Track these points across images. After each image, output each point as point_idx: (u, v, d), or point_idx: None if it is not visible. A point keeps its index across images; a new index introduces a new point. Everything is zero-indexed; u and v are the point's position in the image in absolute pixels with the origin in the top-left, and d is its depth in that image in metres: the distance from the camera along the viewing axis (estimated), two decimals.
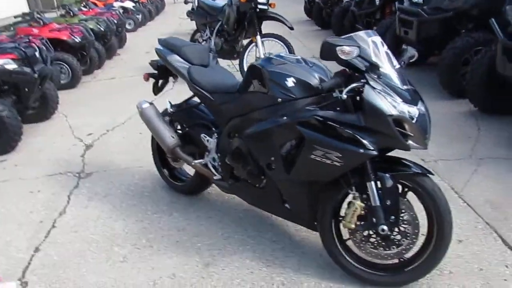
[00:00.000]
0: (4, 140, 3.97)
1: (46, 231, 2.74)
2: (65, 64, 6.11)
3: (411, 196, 1.96)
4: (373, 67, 1.78)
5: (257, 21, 5.20)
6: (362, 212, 1.94)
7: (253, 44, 5.23)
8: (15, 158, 3.97)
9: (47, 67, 4.44)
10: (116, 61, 8.19)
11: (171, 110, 2.77)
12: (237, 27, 5.42)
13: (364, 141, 1.77)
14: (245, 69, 5.25)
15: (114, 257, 2.43)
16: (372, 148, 1.77)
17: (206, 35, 6.04)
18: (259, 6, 5.10)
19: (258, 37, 5.16)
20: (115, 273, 2.30)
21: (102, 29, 7.31)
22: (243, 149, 2.23)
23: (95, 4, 12.22)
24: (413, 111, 1.77)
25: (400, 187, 1.95)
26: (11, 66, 3.93)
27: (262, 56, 5.17)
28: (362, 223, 1.97)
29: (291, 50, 5.12)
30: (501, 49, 3.35)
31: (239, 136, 2.27)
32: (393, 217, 1.91)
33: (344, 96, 1.74)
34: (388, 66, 1.82)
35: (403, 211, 1.94)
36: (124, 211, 2.89)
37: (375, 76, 1.78)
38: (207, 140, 2.56)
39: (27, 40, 4.52)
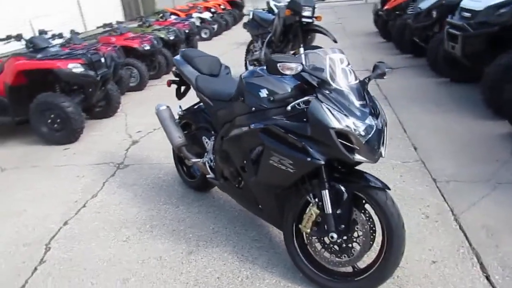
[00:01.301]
0: (68, 131, 4.66)
1: (76, 210, 3.23)
2: (134, 69, 6.85)
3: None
4: (324, 83, 1.91)
5: (302, 33, 5.37)
6: (318, 219, 2.07)
7: (297, 55, 5.39)
8: (75, 147, 4.64)
9: (109, 71, 5.08)
10: None
11: (180, 113, 3.10)
12: (283, 39, 5.65)
13: (311, 150, 1.90)
14: None
15: (119, 236, 2.82)
16: (318, 158, 1.90)
17: (258, 45, 6.36)
18: (304, 19, 5.27)
19: (301, 49, 5.32)
20: (115, 250, 2.68)
21: (171, 38, 8.01)
22: (227, 152, 2.47)
23: (178, 15, 13.31)
24: (361, 126, 1.86)
25: (362, 199, 2.03)
26: (79, 69, 4.61)
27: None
28: (316, 229, 2.08)
29: None
30: None
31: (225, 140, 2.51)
32: (343, 226, 2.01)
33: (289, 108, 1.89)
34: (343, 83, 1.92)
35: (356, 221, 2.02)
36: (141, 200, 3.28)
37: (326, 91, 1.90)
38: (206, 142, 2.84)
39: (95, 47, 5.22)
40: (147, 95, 6.79)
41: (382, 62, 2.24)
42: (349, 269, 2.15)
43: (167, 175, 3.66)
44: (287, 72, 1.85)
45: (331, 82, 1.91)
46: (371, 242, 2.06)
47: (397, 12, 7.65)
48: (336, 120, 1.83)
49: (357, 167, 2.12)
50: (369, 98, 2.03)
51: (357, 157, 1.87)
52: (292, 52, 5.64)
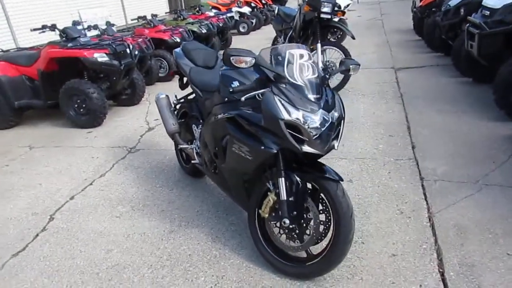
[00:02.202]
0: (92, 116, 5.04)
1: (84, 186, 3.55)
2: (164, 60, 7.19)
3: None
4: (279, 77, 2.02)
5: (321, 29, 5.40)
6: (276, 205, 2.19)
7: (314, 51, 5.45)
8: (97, 131, 5.01)
9: (133, 61, 5.40)
10: None
11: (175, 101, 3.31)
12: (302, 34, 5.70)
13: (265, 140, 2.03)
14: None
15: (114, 212, 3.09)
16: (271, 147, 2.02)
17: (281, 41, 6.46)
18: (322, 16, 5.30)
19: (318, 45, 5.36)
20: (107, 224, 2.94)
21: (203, 31, 8.28)
22: (204, 139, 2.65)
23: (219, 9, 13.62)
24: (311, 118, 1.96)
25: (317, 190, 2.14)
26: (103, 58, 4.96)
27: (320, 64, 5.38)
28: (274, 214, 2.21)
29: None
30: None
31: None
32: (295, 212, 2.12)
33: (243, 99, 2.03)
34: (298, 77, 2.03)
35: (308, 209, 2.13)
36: (141, 181, 3.54)
37: (281, 85, 2.02)
38: (195, 130, 3.03)
39: (121, 38, 5.57)
40: (174, 85, 7.08)
41: (350, 58, 2.32)
42: (304, 254, 2.26)
43: (170, 161, 3.90)
44: (241, 65, 1.98)
45: (286, 76, 2.02)
46: (326, 231, 2.16)
47: (432, 9, 7.41)
48: (286, 112, 1.94)
49: (320, 160, 2.22)
50: (328, 92, 2.12)
51: (306, 148, 1.97)
52: (310, 48, 5.69)
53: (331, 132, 2.01)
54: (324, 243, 2.23)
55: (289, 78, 2.02)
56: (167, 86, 7.02)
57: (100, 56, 4.95)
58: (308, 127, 1.94)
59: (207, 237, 2.68)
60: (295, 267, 2.23)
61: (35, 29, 5.10)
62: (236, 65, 1.98)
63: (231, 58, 1.96)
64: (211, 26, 8.53)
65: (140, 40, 6.46)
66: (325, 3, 5.28)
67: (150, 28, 7.47)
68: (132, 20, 7.96)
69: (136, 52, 5.68)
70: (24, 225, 3.03)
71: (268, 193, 2.21)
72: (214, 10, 13.36)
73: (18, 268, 2.54)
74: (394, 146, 3.73)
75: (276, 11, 6.67)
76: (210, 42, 8.76)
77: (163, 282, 2.31)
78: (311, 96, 2.02)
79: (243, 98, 2.04)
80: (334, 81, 5.37)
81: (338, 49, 5.35)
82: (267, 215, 2.22)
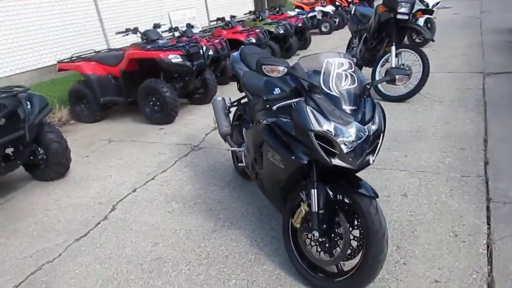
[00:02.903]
0: (165, 114, 5.37)
1: (146, 181, 3.81)
2: None
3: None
4: (313, 86, 1.96)
5: (397, 31, 5.11)
6: (308, 216, 2.15)
7: (388, 54, 5.17)
8: (169, 128, 5.33)
9: (205, 62, 5.64)
10: (290, 61, 9.11)
11: (228, 105, 3.38)
12: (376, 36, 5.44)
13: (296, 150, 1.99)
14: (377, 78, 5.27)
15: (167, 207, 3.27)
16: (301, 157, 1.98)
17: (356, 42, 6.23)
18: (399, 16, 5.00)
19: (393, 47, 5.07)
20: (159, 218, 3.13)
21: (280, 31, 8.32)
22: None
23: (302, 8, 13.57)
24: (343, 131, 1.87)
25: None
26: (177, 60, 5.25)
27: (394, 67, 5.09)
28: (305, 225, 2.16)
29: (425, 63, 4.84)
30: None
31: None
32: (324, 226, 2.05)
33: (274, 108, 2.01)
34: (334, 87, 1.95)
35: (339, 223, 2.05)
36: (197, 179, 3.70)
37: (316, 95, 1.96)
38: (244, 133, 3.07)
39: (195, 40, 5.83)
40: None
41: (398, 68, 2.17)
42: (336, 269, 2.18)
43: (227, 161, 4.01)
44: (273, 74, 1.96)
45: (321, 86, 1.95)
46: (360, 248, 2.06)
47: None
48: (317, 123, 1.88)
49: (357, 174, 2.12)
50: (367, 104, 2.01)
51: (336, 161, 1.90)
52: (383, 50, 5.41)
53: (365, 146, 1.90)
54: (356, 260, 2.12)
55: (324, 88, 1.95)
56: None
57: (174, 57, 5.24)
58: (340, 139, 1.86)
59: (246, 240, 2.71)
60: (323, 280, 2.16)
61: (119, 32, 5.58)
62: (268, 74, 1.97)
63: (263, 67, 1.95)
64: (288, 27, 8.54)
65: (216, 41, 6.71)
66: (403, 3, 4.97)
67: (228, 29, 7.71)
68: (211, 22, 8.28)
69: (210, 53, 5.92)
70: (90, 212, 3.34)
71: (301, 203, 2.17)
72: (297, 10, 13.36)
73: (77, 252, 2.82)
74: (463, 161, 3.40)
75: (352, 11, 6.45)
76: (287, 42, 8.78)
77: (197, 280, 2.40)
78: (346, 108, 1.93)
79: (274, 107, 2.02)
80: (409, 85, 5.05)
81: (414, 52, 5.01)
82: (299, 225, 2.17)
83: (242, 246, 2.66)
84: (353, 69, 2.04)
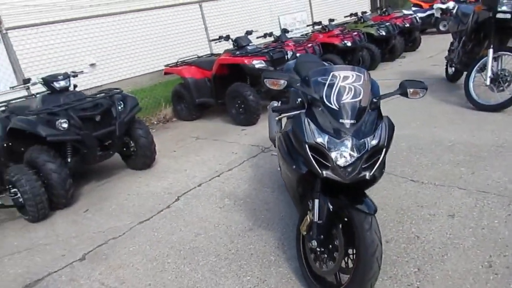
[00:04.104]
0: (248, 115, 5.71)
1: (212, 177, 4.17)
2: (332, 64, 7.34)
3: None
4: (314, 99, 2.01)
5: (498, 32, 4.55)
6: (311, 225, 2.20)
7: (485, 58, 4.64)
8: (249, 129, 5.65)
9: None
10: (393, 63, 8.62)
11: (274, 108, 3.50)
12: (473, 38, 4.91)
13: (297, 160, 2.07)
14: (471, 86, 4.79)
15: (219, 203, 3.57)
16: (301, 167, 2.05)
17: (456, 44, 5.69)
18: (499, 16, 4.44)
19: (490, 50, 4.53)
20: (209, 212, 3.44)
21: (382, 33, 7.99)
22: None
23: (420, 6, 12.67)
24: (337, 144, 1.89)
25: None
26: (260, 65, 5.53)
27: (489, 73, 4.56)
28: (310, 233, 2.21)
29: None
30: None
31: None
32: (322, 236, 2.08)
33: (276, 119, 2.10)
34: (334, 100, 1.97)
35: (335, 236, 2.06)
36: (255, 179, 3.92)
37: (316, 107, 2.00)
38: None
39: (280, 46, 6.02)
40: None
41: (415, 80, 2.06)
42: (333, 280, 2.18)
43: None
44: (274, 87, 2.07)
45: (322, 99, 1.99)
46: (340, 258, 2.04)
47: None
48: (312, 135, 1.94)
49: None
50: (370, 117, 1.98)
51: (328, 173, 1.92)
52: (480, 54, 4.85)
53: (360, 160, 1.89)
54: None
55: (325, 101, 1.99)
56: None
57: (258, 63, 5.53)
58: (332, 153, 1.89)
59: (274, 242, 2.84)
60: None
61: (212, 40, 6.09)
62: (270, 87, 2.08)
63: (265, 81, 2.07)
64: (391, 28, 8.15)
65: (309, 45, 6.82)
66: (504, 1, 4.42)
67: (324, 33, 7.73)
68: (307, 26, 8.38)
69: (293, 58, 6.07)
70: (158, 200, 3.83)
71: (308, 211, 2.22)
72: (414, 8, 12.53)
73: (137, 233, 3.30)
74: None
75: (454, 10, 5.91)
76: (390, 44, 8.39)
77: (219, 271, 2.62)
78: (345, 121, 1.94)
79: (276, 118, 2.13)
80: (505, 94, 4.48)
81: None
82: (305, 233, 2.24)
83: (268, 247, 2.80)
84: (360, 82, 2.03)
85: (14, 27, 7.12)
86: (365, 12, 9.03)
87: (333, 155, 1.89)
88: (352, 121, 1.94)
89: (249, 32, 6.47)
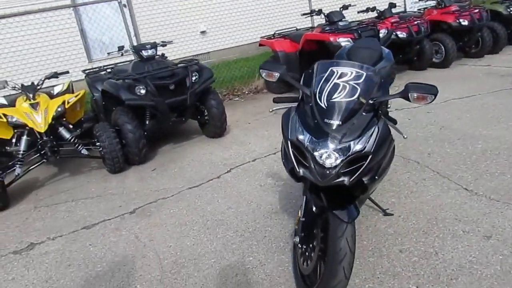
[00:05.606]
0: None
1: (268, 154, 4.25)
2: (441, 45, 6.57)
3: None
4: (306, 96, 1.92)
5: None
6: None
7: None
8: None
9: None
10: None
11: None
12: None
13: (285, 154, 2.04)
14: None
15: (262, 181, 3.66)
16: (288, 163, 2.01)
17: None
18: None
19: None
20: (250, 188, 3.56)
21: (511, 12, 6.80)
22: None
23: None
24: (317, 144, 1.81)
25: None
26: (346, 43, 5.23)
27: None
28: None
29: None
30: None
31: None
32: (303, 234, 2.05)
33: (270, 111, 2.06)
34: (324, 98, 1.86)
35: (315, 235, 2.01)
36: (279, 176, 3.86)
37: (307, 104, 1.93)
38: None
39: (372, 23, 5.58)
40: (447, 74, 6.40)
41: (425, 84, 1.82)
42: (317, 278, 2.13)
43: None
44: (270, 79, 2.03)
45: (316, 96, 1.91)
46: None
47: None
48: (295, 132, 1.89)
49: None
50: (360, 120, 1.83)
51: (304, 172, 1.87)
52: None
53: (339, 164, 1.78)
54: None
55: (316, 98, 1.90)
56: (438, 74, 6.45)
57: (344, 41, 5.27)
58: (313, 152, 1.82)
59: (290, 229, 2.83)
60: (302, 285, 2.16)
61: (304, 14, 5.96)
62: (267, 79, 2.06)
63: (261, 71, 2.05)
64: None
65: (414, 23, 6.21)
66: None
67: (439, 9, 6.89)
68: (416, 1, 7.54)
69: (402, 36, 5.64)
70: (213, 169, 4.09)
71: (301, 206, 2.19)
72: None
73: (182, 197, 3.61)
74: None
75: None
76: None
77: (230, 247, 2.75)
78: (330, 121, 1.84)
79: (270, 110, 2.09)
80: None
81: None
82: (296, 227, 2.22)
83: (283, 232, 2.82)
84: (359, 81, 1.88)
85: None
86: None
87: (311, 155, 1.82)
88: (338, 122, 1.82)
89: (345, 7, 6.14)
